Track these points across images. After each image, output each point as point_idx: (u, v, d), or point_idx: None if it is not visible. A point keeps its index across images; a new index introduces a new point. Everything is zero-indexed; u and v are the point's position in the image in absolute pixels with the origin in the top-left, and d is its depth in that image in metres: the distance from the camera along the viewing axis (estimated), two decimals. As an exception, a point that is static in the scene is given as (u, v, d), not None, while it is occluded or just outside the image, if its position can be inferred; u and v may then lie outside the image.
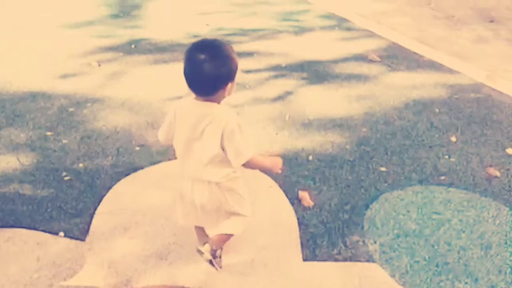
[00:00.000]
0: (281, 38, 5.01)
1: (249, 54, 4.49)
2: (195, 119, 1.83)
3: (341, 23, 5.41)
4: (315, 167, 2.87)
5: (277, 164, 2.05)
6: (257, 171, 2.46)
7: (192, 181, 1.95)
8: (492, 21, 5.46)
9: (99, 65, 4.19)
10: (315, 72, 4.15)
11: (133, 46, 4.65)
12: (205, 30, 5.12)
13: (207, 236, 2.18)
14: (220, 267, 2.17)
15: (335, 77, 4.07)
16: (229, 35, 4.98)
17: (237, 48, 2.41)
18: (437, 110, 3.52)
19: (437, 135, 3.20)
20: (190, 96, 1.88)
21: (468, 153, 3.01)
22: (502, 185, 2.72)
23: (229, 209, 2.02)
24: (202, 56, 1.75)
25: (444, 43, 4.92)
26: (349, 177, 2.78)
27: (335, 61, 4.38)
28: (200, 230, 2.22)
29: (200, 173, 1.91)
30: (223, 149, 1.85)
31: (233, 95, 1.91)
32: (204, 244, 2.06)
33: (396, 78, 4.05)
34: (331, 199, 2.60)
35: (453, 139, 3.17)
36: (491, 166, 2.89)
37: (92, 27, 5.24)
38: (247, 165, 1.88)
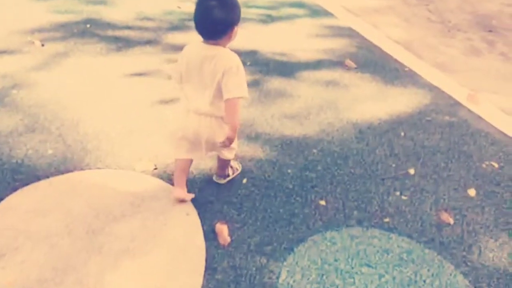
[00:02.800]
0: (248, 27, 4.64)
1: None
2: (204, 60, 2.09)
3: (322, 17, 5.00)
4: (247, 193, 2.54)
5: (233, 138, 2.21)
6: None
7: (199, 116, 2.20)
8: (490, 31, 5.03)
9: (43, 45, 3.83)
10: (280, 74, 3.77)
11: (88, 26, 4.29)
12: (175, 15, 4.75)
13: (185, 181, 2.43)
14: (238, 170, 2.64)
15: (301, 81, 3.69)
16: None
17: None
18: (402, 134, 3.16)
19: (394, 165, 2.85)
20: (198, 40, 2.13)
21: (423, 190, 2.66)
22: (453, 235, 2.38)
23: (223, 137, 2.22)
24: (213, 2, 2.01)
25: (431, 51, 4.51)
26: (281, 210, 2.45)
27: (306, 63, 4.00)
28: (183, 174, 2.41)
29: (206, 109, 2.17)
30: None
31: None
32: (214, 178, 2.54)
33: (368, 90, 3.67)
34: (252, 237, 2.27)
35: (411, 171, 2.82)
36: (445, 210, 2.55)
37: (50, 0, 4.87)
38: (229, 103, 2.10)
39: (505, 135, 3.22)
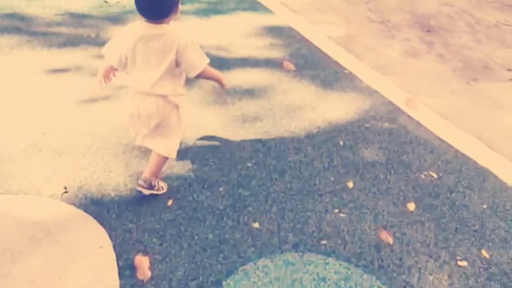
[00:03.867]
0: (185, 20, 4.34)
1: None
2: (149, 40, 2.11)
3: (262, 14, 4.79)
4: (171, 218, 2.28)
5: (224, 79, 2.44)
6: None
7: (145, 96, 2.20)
8: (428, 31, 5.02)
9: None
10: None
11: (-1, 22, 3.85)
12: (101, 9, 4.36)
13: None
14: (164, 190, 2.43)
15: (236, 86, 3.46)
16: (128, 12, 4.25)
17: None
18: (341, 143, 3.02)
19: (332, 178, 2.69)
20: (141, 20, 2.13)
21: (362, 206, 2.52)
22: (392, 256, 2.25)
23: (169, 125, 2.28)
24: None
25: (371, 52, 4.42)
26: (210, 235, 2.22)
27: (243, 64, 3.76)
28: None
29: (152, 88, 2.18)
30: (177, 64, 2.17)
31: None
32: (139, 182, 2.34)
33: (307, 95, 3.49)
34: (175, 270, 2.02)
35: (350, 184, 2.67)
36: (385, 227, 2.42)
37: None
38: (202, 74, 2.24)
39: (443, 141, 3.15)
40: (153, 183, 2.36)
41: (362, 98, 3.55)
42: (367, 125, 3.22)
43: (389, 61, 4.27)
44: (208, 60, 2.25)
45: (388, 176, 2.76)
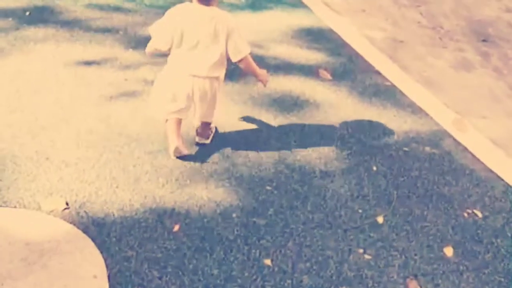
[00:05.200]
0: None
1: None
2: (201, 21, 2.17)
3: (300, 13, 4.48)
4: (175, 246, 2.04)
5: (265, 75, 2.55)
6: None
7: (193, 78, 2.28)
8: (485, 41, 4.56)
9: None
10: (243, 78, 3.26)
11: (27, 13, 3.74)
12: (133, 3, 4.19)
13: (179, 136, 2.48)
14: (213, 132, 2.68)
15: (264, 95, 3.17)
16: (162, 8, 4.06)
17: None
18: (374, 168, 2.71)
19: (360, 211, 2.41)
20: (189, 2, 2.22)
21: (391, 247, 2.23)
22: (421, 313, 1.98)
23: (215, 99, 2.40)
24: None
25: (418, 62, 4.04)
26: (215, 271, 1.96)
27: (274, 69, 3.46)
28: (176, 132, 2.45)
29: (208, 71, 2.26)
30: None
31: None
32: (202, 138, 2.61)
33: (342, 109, 3.18)
34: (171, 311, 1.84)
35: (380, 219, 2.37)
36: (415, 276, 2.11)
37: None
38: (243, 62, 2.32)
39: (492, 172, 2.78)
40: (209, 132, 2.65)
41: (403, 116, 3.22)
42: (406, 149, 2.90)
43: (437, 74, 3.89)
44: (249, 50, 2.33)
45: (425, 212, 2.45)
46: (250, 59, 2.36)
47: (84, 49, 3.35)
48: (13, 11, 3.69)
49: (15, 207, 2.11)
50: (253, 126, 2.88)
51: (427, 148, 2.92)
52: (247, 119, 2.94)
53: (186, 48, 2.23)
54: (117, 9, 4.02)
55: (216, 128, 2.78)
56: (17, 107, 2.71)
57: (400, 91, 3.50)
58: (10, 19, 3.58)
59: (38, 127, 2.58)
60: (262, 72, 2.50)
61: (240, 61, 2.30)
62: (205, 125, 2.62)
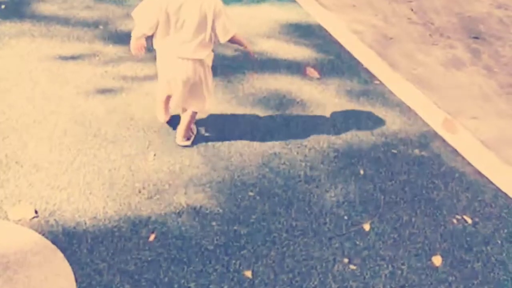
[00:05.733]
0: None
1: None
2: (189, 3, 2.16)
3: (289, 7, 4.35)
4: (151, 258, 1.94)
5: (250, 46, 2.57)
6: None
7: (181, 59, 2.28)
8: (476, 38, 4.47)
9: None
10: (228, 75, 3.14)
11: (3, 6, 3.57)
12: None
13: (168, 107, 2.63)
14: (194, 134, 2.64)
15: (249, 94, 3.05)
16: None
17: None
18: (362, 172, 2.62)
19: (346, 217, 2.31)
20: None
21: (378, 256, 2.13)
22: (408, 326, 1.90)
23: (205, 85, 2.41)
24: None
25: (408, 60, 3.94)
26: (192, 284, 1.86)
27: (260, 66, 3.35)
28: (166, 102, 2.59)
29: (188, 52, 2.26)
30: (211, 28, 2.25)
31: None
32: (181, 139, 2.54)
33: (328, 109, 3.06)
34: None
35: (367, 227, 2.28)
36: (404, 287, 2.05)
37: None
38: (232, 39, 2.32)
39: (483, 176, 2.70)
40: (189, 133, 2.61)
41: (391, 116, 3.12)
42: (394, 151, 2.81)
43: (427, 72, 3.80)
44: (236, 29, 2.32)
45: (413, 219, 2.36)
46: (238, 36, 2.36)
47: (61, 45, 3.20)
48: (-13, 4, 3.53)
49: (-21, 216, 1.99)
50: (236, 127, 2.77)
51: (416, 151, 2.84)
52: (230, 119, 2.83)
53: (172, 30, 2.21)
54: (98, 2, 3.86)
55: (197, 129, 2.68)
56: (-13, 106, 2.58)
57: (389, 90, 3.41)
58: (-17, 12, 3.43)
59: (8, 128, 2.44)
60: (248, 41, 2.55)
61: (230, 39, 2.31)
62: (187, 123, 2.52)
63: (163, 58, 2.35)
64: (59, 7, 3.66)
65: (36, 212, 2.03)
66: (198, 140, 2.62)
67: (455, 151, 2.87)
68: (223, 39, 2.27)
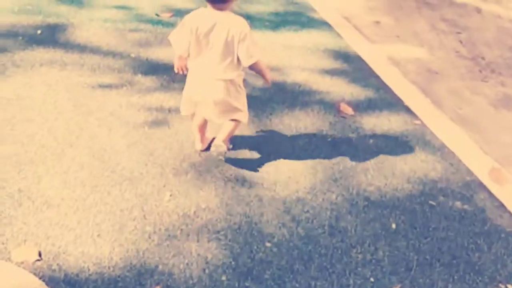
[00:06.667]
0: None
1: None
2: (214, 26, 2.24)
3: (326, 34, 4.20)
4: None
5: (270, 77, 2.53)
6: None
7: (210, 80, 2.35)
8: (531, 74, 4.14)
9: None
10: (254, 111, 2.97)
11: (39, 32, 3.59)
12: (149, 25, 4.02)
13: (205, 137, 2.66)
14: (229, 149, 2.69)
15: (276, 129, 2.89)
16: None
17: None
18: (393, 226, 2.38)
19: (373, 279, 2.06)
20: (203, 8, 2.29)
21: (406, 331, 1.91)
22: None
23: (237, 101, 2.45)
24: None
25: (454, 98, 3.66)
26: None
27: (293, 98, 3.17)
28: (201, 129, 2.61)
29: (219, 73, 2.33)
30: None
31: None
32: (217, 144, 2.50)
33: (362, 151, 2.83)
34: None
35: (395, 292, 2.06)
36: None
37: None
38: (254, 66, 2.35)
39: (534, 236, 2.42)
40: (228, 145, 2.64)
41: (432, 161, 2.87)
42: (432, 202, 2.55)
43: (475, 112, 3.51)
44: (262, 56, 2.36)
45: (450, 285, 2.09)
46: (261, 64, 2.39)
47: (90, 74, 3.17)
48: (25, 29, 3.57)
49: (-19, 256, 1.93)
50: (259, 167, 2.62)
51: (457, 203, 2.57)
52: (253, 158, 2.67)
53: (203, 52, 2.32)
54: (132, 29, 3.85)
55: (229, 149, 2.70)
56: (8, 136, 2.54)
57: (431, 131, 3.15)
58: (20, 37, 3.45)
59: (26, 160, 2.40)
60: (269, 73, 2.52)
61: (252, 65, 2.34)
62: (232, 128, 2.56)
63: (195, 79, 2.42)
64: (93, 33, 3.68)
65: (40, 254, 1.93)
66: (217, 180, 2.48)
67: (502, 206, 2.58)
68: (245, 63, 2.32)
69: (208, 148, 2.66)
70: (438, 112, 3.41)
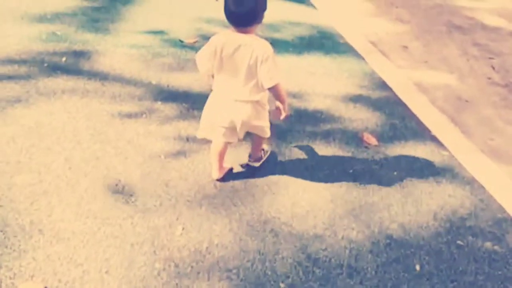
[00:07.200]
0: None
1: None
2: (238, 48, 2.26)
3: (351, 59, 4.11)
4: None
5: (287, 104, 2.47)
6: None
7: (235, 102, 2.36)
8: None
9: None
10: (268, 141, 2.93)
11: (64, 59, 3.65)
12: (172, 50, 4.03)
13: (222, 163, 2.62)
14: (268, 151, 2.86)
15: (294, 158, 2.80)
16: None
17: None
18: (418, 268, 2.23)
19: (393, 328, 1.95)
20: (229, 30, 2.31)
21: None
22: None
23: (262, 120, 2.49)
24: None
25: (485, 128, 3.48)
26: None
27: (313, 126, 3.10)
28: (220, 157, 2.58)
29: (244, 96, 2.35)
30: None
31: None
32: (252, 161, 2.73)
33: (384, 185, 2.70)
34: None
35: None
36: None
37: (44, 22, 4.23)
38: (273, 89, 2.33)
39: None
40: (260, 155, 2.76)
41: (460, 196, 2.71)
42: (460, 242, 2.39)
43: (507, 143, 3.31)
44: (281, 79, 2.34)
45: (478, 337, 1.94)
46: (281, 88, 2.37)
47: (111, 101, 3.18)
48: (51, 56, 3.63)
49: (-12, 290, 1.90)
50: (275, 200, 2.52)
51: (488, 244, 2.39)
52: (270, 190, 2.57)
53: (227, 74, 2.34)
54: (156, 55, 3.86)
55: (271, 151, 2.88)
56: (25, 165, 2.54)
57: (459, 163, 2.99)
58: (46, 65, 3.50)
59: (40, 191, 2.39)
60: (286, 104, 2.46)
61: (270, 88, 2.34)
62: (257, 144, 2.70)
63: (218, 101, 2.43)
64: (117, 60, 3.70)
65: (46, 290, 1.91)
66: (231, 213, 2.40)
67: (537, 248, 2.40)
68: (266, 84, 2.31)
69: (223, 179, 2.62)
70: (468, 143, 3.25)
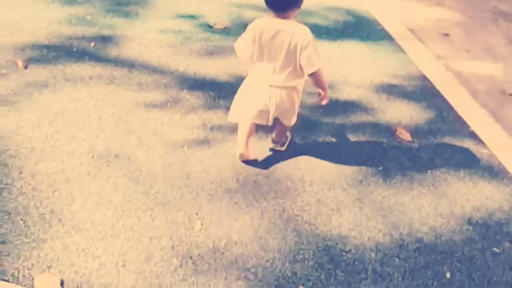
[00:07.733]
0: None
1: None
2: (277, 34, 2.26)
3: (388, 49, 3.91)
4: None
5: (327, 90, 2.46)
6: None
7: (270, 88, 2.38)
8: None
9: (26, 67, 3.25)
10: (295, 133, 2.82)
11: (92, 44, 3.63)
12: (201, 36, 3.95)
13: (248, 142, 2.57)
14: (289, 137, 2.80)
15: (319, 153, 2.68)
16: (231, 41, 3.77)
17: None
18: (448, 275, 2.08)
19: None
20: (267, 16, 2.33)
21: None
22: None
23: (295, 107, 2.50)
24: None
25: (530, 124, 3.26)
26: None
27: (344, 118, 2.98)
28: (248, 135, 2.54)
29: (280, 81, 2.36)
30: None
31: None
32: (278, 146, 2.71)
33: (415, 184, 2.56)
34: None
35: None
36: None
37: (68, 6, 4.23)
38: (314, 75, 2.33)
39: None
40: (284, 140, 2.74)
41: (499, 199, 2.53)
42: (495, 249, 2.23)
43: (555, 141, 3.08)
44: (321, 65, 2.33)
45: None
46: (321, 74, 2.37)
47: (136, 89, 3.13)
48: (80, 41, 3.62)
49: (8, 280, 1.90)
50: (299, 197, 2.42)
51: (527, 252, 2.23)
52: (295, 186, 2.47)
53: (265, 59, 2.34)
54: (185, 41, 3.79)
55: (291, 135, 2.83)
56: (50, 153, 2.53)
57: (499, 162, 2.79)
58: (74, 49, 3.50)
59: (62, 179, 2.38)
60: (327, 90, 2.45)
61: (311, 74, 2.33)
62: (281, 131, 2.68)
63: (253, 85, 2.46)
64: (145, 46, 3.65)
65: (62, 283, 1.88)
66: (253, 209, 2.32)
67: None
68: (307, 71, 2.31)
69: (246, 162, 2.58)
70: (510, 140, 3.03)
